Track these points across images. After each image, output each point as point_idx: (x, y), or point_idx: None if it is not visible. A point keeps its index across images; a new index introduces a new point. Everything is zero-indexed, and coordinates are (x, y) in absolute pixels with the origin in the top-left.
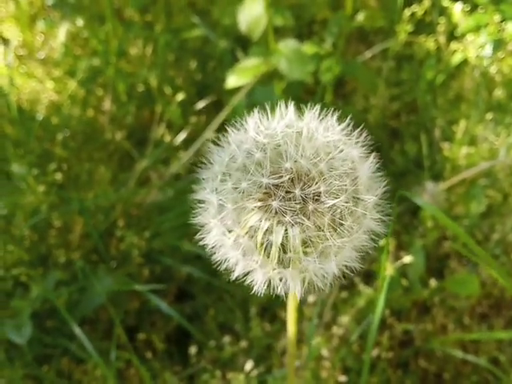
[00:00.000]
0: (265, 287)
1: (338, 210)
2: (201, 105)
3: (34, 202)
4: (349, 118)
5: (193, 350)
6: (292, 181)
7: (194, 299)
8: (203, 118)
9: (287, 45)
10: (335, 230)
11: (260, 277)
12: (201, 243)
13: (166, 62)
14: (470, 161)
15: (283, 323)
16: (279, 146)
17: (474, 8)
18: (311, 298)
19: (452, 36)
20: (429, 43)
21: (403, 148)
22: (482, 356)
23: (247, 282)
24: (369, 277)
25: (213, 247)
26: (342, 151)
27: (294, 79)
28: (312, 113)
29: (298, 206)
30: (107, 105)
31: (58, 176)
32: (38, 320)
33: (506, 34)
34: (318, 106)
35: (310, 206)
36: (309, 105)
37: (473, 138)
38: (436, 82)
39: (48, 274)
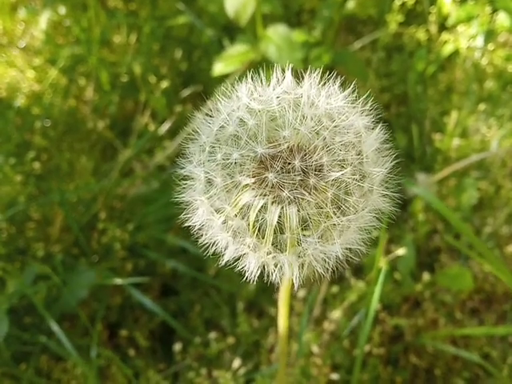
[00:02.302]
0: (257, 274)
1: (343, 185)
2: (186, 93)
3: (11, 192)
4: (353, 83)
5: (177, 346)
6: (291, 151)
7: (179, 294)
8: (189, 108)
9: (276, 31)
10: (339, 208)
11: (252, 262)
12: (186, 224)
13: (150, 50)
14: (462, 153)
15: (271, 319)
16: (275, 113)
17: None
18: (301, 293)
19: (443, 27)
20: (419, 34)
21: (393, 139)
22: (473, 351)
23: (238, 268)
24: (359, 270)
25: (200, 229)
26: (345, 120)
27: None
28: (312, 78)
29: (298, 179)
30: (89, 94)
31: (36, 165)
32: (16, 316)
33: (497, 25)
34: (318, 71)
35: (312, 180)
36: (308, 70)
37: (464, 130)
38: (427, 73)
39: (26, 268)
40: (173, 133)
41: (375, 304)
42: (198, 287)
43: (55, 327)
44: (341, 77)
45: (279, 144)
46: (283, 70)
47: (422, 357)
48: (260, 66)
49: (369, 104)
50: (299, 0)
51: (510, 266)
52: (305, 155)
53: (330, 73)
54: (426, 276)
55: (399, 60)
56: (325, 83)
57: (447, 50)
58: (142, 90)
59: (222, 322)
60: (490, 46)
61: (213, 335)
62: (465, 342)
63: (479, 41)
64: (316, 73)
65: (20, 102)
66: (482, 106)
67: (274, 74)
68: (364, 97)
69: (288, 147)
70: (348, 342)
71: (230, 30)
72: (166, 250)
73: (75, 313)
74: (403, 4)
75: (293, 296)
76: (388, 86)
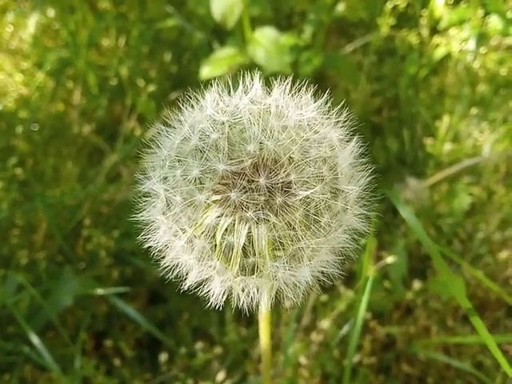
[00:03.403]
0: (223, 299)
1: (313, 204)
2: (174, 96)
3: None
4: (327, 93)
5: (163, 357)
6: (256, 167)
7: (168, 302)
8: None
9: (264, 34)
10: (309, 229)
11: (218, 286)
12: (146, 245)
13: (139, 53)
14: (454, 157)
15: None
16: (242, 125)
17: (458, 1)
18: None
19: (435, 30)
20: (411, 37)
21: (385, 144)
22: (466, 359)
23: (202, 292)
24: (349, 278)
25: (161, 250)
26: (317, 132)
27: (271, 71)
28: (282, 87)
29: (263, 199)
30: (77, 98)
31: (19, 171)
32: None
33: (489, 28)
34: (289, 80)
35: (278, 199)
36: (278, 79)
37: (456, 134)
38: (418, 77)
39: (9, 276)
40: None
41: (362, 313)
42: (187, 295)
43: (36, 340)
44: (317, 84)
45: (242, 160)
46: (252, 78)
47: (414, 365)
48: (248, 69)
49: (344, 114)
50: (290, 2)
51: (502, 272)
52: (271, 172)
53: (304, 81)
54: (417, 283)
55: (391, 63)
56: (296, 92)
57: (439, 53)
58: (129, 94)
59: (211, 330)
60: (483, 50)
61: (199, 345)
62: (457, 350)
63: (471, 44)
64: (287, 81)
65: (4, 105)
66: (474, 110)
67: (241, 81)
68: (339, 107)
69: (252, 163)
70: (338, 351)
71: (220, 33)
72: (153, 258)
73: (60, 322)
74: (395, 7)
75: (281, 305)
76: (379, 89)
